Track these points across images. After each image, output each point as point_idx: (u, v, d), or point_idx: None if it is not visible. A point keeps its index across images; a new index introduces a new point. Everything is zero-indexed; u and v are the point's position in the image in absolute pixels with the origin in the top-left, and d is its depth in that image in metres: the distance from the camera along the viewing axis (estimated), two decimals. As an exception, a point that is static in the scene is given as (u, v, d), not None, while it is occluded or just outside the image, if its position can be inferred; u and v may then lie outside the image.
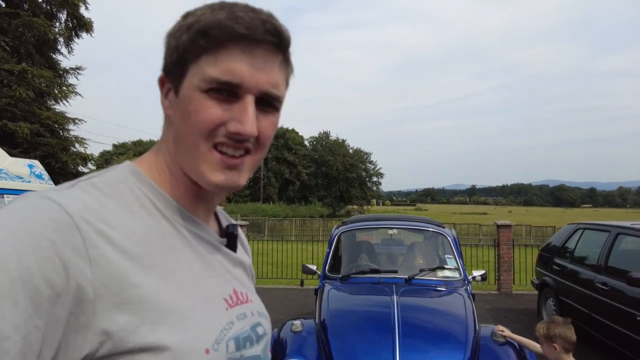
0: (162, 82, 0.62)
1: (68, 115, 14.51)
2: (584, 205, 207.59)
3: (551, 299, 5.75)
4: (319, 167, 52.97)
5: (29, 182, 5.79)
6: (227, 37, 0.53)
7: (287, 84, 0.61)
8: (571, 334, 2.33)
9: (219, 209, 0.75)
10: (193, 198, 0.63)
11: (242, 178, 0.58)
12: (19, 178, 5.75)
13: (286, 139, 52.38)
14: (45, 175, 6.24)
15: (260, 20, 0.54)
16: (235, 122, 0.54)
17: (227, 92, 0.55)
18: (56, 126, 14.05)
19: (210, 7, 0.55)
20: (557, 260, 5.78)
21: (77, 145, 14.74)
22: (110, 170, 0.59)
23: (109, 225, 0.50)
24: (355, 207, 54.87)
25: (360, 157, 55.24)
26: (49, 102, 14.35)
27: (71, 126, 14.68)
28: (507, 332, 2.73)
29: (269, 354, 0.69)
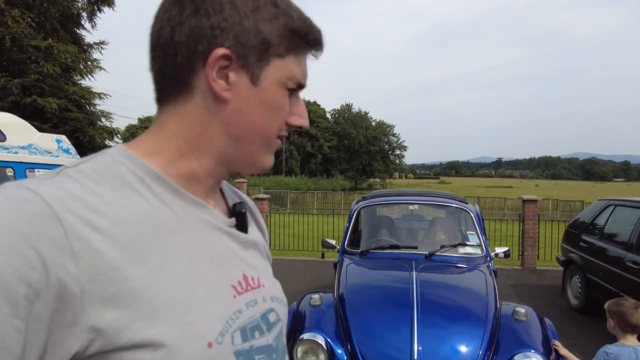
0: (221, 57, 0.53)
1: (94, 90, 14.77)
2: (616, 179, 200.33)
3: (577, 276, 5.63)
4: (341, 140, 52.65)
5: (57, 156, 5.97)
6: (312, 44, 0.59)
7: None
8: (630, 316, 2.37)
9: (226, 185, 0.71)
10: (201, 180, 0.59)
11: None
12: (47, 153, 5.93)
13: (308, 112, 51.93)
14: (72, 150, 6.41)
15: (321, 33, 0.60)
16: (298, 117, 0.61)
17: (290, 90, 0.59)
18: (83, 101, 14.35)
19: (288, 4, 0.57)
20: (585, 237, 5.62)
21: (103, 119, 15.06)
22: (100, 155, 0.54)
23: (97, 213, 0.47)
24: (378, 180, 54.65)
25: (383, 130, 54.54)
26: (74, 77, 14.61)
27: (97, 101, 14.97)
28: (561, 349, 2.55)
29: (284, 340, 0.65)
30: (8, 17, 12.06)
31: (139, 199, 0.51)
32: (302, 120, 0.62)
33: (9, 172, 5.40)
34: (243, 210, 0.66)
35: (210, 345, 0.50)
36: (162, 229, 0.52)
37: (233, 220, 0.64)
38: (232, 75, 0.54)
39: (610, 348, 2.35)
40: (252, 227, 0.69)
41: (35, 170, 5.60)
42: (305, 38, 0.57)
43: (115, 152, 0.55)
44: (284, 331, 0.66)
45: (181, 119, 0.57)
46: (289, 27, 0.55)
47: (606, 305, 2.52)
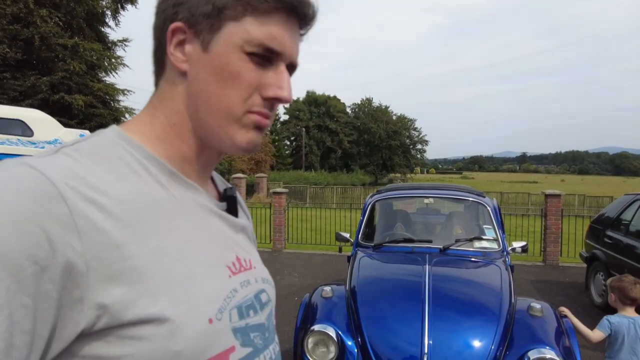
0: (176, 31, 0.55)
1: (118, 86, 15.15)
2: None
3: (601, 273, 5.46)
4: (361, 135, 52.42)
5: (81, 151, 6.15)
6: (279, 5, 0.54)
7: None
8: (629, 290, 2.67)
9: (214, 173, 0.72)
10: (192, 162, 0.60)
11: (261, 140, 0.60)
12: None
13: (328, 107, 52.00)
14: (96, 145, 6.58)
15: None
16: (275, 88, 0.56)
17: (263, 57, 0.55)
18: (107, 97, 14.74)
19: None
20: (610, 233, 5.44)
21: (127, 115, 15.42)
22: (96, 135, 0.55)
23: (99, 192, 0.47)
24: (398, 175, 54.20)
25: (404, 124, 54.02)
26: (99, 75, 15.01)
27: (121, 97, 15.36)
28: (568, 313, 2.72)
29: (274, 320, 0.68)
30: (37, 17, 12.45)
31: (136, 179, 0.52)
32: (279, 91, 0.56)
33: (36, 166, 5.58)
34: (234, 195, 0.67)
35: (210, 321, 0.52)
36: (160, 210, 0.53)
37: (224, 204, 0.65)
38: (188, 47, 0.55)
39: (612, 318, 2.66)
40: (240, 213, 0.70)
41: (61, 164, 5.78)
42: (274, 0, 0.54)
43: (110, 133, 0.56)
44: (274, 312, 0.68)
45: (159, 97, 0.59)
46: None
47: (608, 281, 2.83)
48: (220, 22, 0.54)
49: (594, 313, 5.24)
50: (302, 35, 0.60)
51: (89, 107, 13.57)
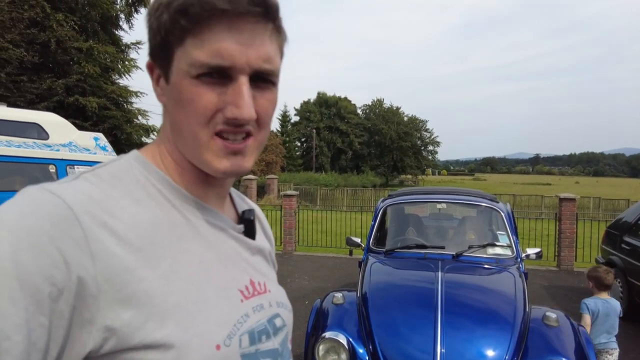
0: (150, 68, 0.58)
1: (131, 88, 15.33)
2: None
3: (618, 280, 5.34)
4: (371, 136, 52.24)
5: (95, 153, 6.25)
6: (208, 14, 0.49)
7: (281, 54, 0.57)
8: (604, 279, 3.30)
9: (235, 192, 0.72)
10: (202, 185, 0.60)
11: (247, 161, 0.55)
12: (86, 150, 6.21)
13: (338, 108, 51.97)
14: (109, 147, 6.68)
15: None
16: (232, 107, 0.51)
17: (218, 74, 0.51)
18: (120, 99, 14.93)
19: None
20: (628, 239, 5.32)
21: (139, 117, 15.61)
22: (116, 160, 0.57)
23: (113, 217, 0.48)
24: (409, 176, 53.87)
25: (415, 125, 53.66)
26: (113, 77, 15.22)
27: (134, 99, 15.54)
28: None
29: (289, 345, 0.66)
30: (53, 21, 12.68)
31: (151, 202, 0.53)
32: (236, 110, 0.51)
33: (52, 168, 5.69)
34: (252, 218, 0.67)
35: (218, 347, 0.51)
36: (174, 233, 0.53)
37: (241, 226, 0.65)
38: (162, 81, 0.56)
39: (587, 300, 3.29)
40: (259, 235, 0.70)
41: (75, 166, 5.87)
42: (188, 11, 0.49)
43: (130, 158, 0.58)
44: (290, 336, 0.66)
45: (162, 125, 0.61)
46: (174, 9, 0.50)
47: (586, 271, 3.49)
48: (170, 51, 0.52)
49: (610, 320, 5.13)
50: (274, 27, 0.54)
51: (102, 109, 13.75)
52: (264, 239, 0.74)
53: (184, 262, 0.52)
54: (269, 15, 0.52)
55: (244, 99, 0.51)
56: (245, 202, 0.74)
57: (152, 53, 0.56)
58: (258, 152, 0.58)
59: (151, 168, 0.56)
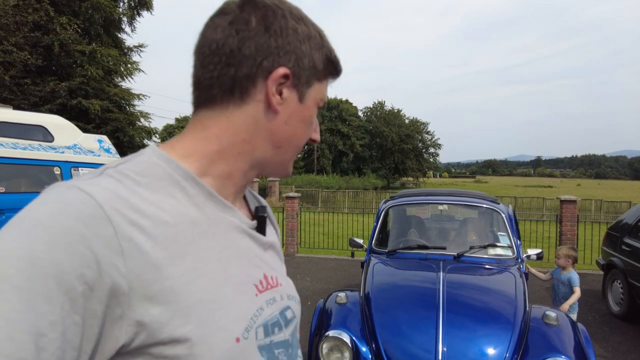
0: (285, 76, 0.60)
1: (133, 91, 15.43)
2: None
3: (618, 281, 5.37)
4: (373, 138, 52.29)
5: (99, 155, 6.30)
6: (337, 75, 0.68)
7: None
8: (571, 252, 4.08)
9: (248, 190, 0.75)
10: (236, 182, 0.63)
11: None
12: (90, 152, 6.27)
13: (340, 110, 52.04)
14: (113, 150, 6.74)
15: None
16: (315, 133, 0.69)
17: None
18: (123, 102, 15.03)
19: (327, 38, 0.66)
20: (628, 240, 5.34)
21: (142, 119, 15.70)
22: (138, 156, 0.57)
23: (141, 214, 0.50)
24: (411, 179, 53.88)
25: (416, 128, 53.67)
26: (116, 80, 15.32)
27: (136, 101, 15.65)
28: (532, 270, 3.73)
29: (298, 336, 0.70)
30: (57, 24, 12.79)
31: (174, 201, 0.55)
32: (316, 135, 0.69)
33: (56, 170, 5.76)
34: (265, 215, 0.70)
35: (238, 340, 0.54)
36: (195, 231, 0.55)
37: (255, 222, 0.68)
38: (286, 92, 0.61)
39: (555, 271, 4.09)
40: (269, 229, 0.73)
41: (79, 168, 5.93)
42: (336, 67, 0.67)
43: (151, 154, 0.58)
44: (298, 327, 0.70)
45: (228, 124, 0.60)
46: (329, 57, 0.65)
47: (563, 251, 4.10)
48: (313, 80, 0.64)
49: (611, 322, 5.15)
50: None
51: (105, 111, 13.85)
52: (274, 233, 0.77)
53: (205, 259, 0.55)
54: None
55: (318, 127, 0.71)
56: (256, 198, 0.77)
57: (296, 71, 0.62)
58: None
59: (175, 164, 0.57)
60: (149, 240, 0.49)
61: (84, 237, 0.45)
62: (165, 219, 0.52)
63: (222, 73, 0.58)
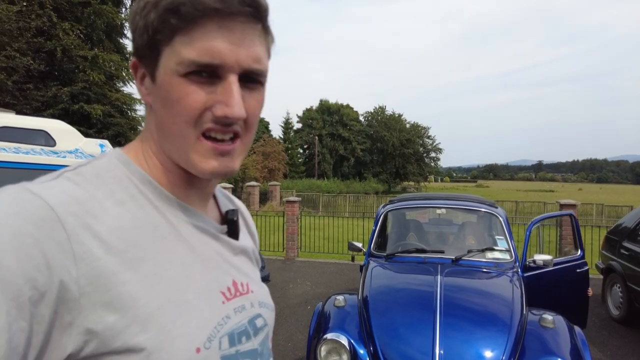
0: (135, 67, 0.57)
1: (134, 96, 15.50)
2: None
3: (618, 285, 5.38)
4: (374, 143, 52.36)
5: (101, 160, 6.33)
6: (200, 14, 0.49)
7: (269, 55, 0.57)
8: None
9: (221, 192, 0.71)
10: (185, 185, 0.59)
11: (235, 163, 0.56)
12: (92, 157, 6.28)
13: (341, 115, 52.17)
14: (115, 154, 6.77)
15: None
16: (222, 105, 0.51)
17: (207, 73, 0.51)
18: (125, 107, 15.10)
19: None
20: (627, 244, 5.36)
21: (143, 124, 15.74)
22: (99, 159, 0.55)
23: (96, 218, 0.47)
24: (412, 183, 53.86)
25: (417, 132, 53.76)
26: (117, 85, 15.40)
27: (138, 106, 15.70)
28: None
29: (269, 345, 0.67)
30: (59, 29, 12.89)
31: (133, 204, 0.52)
32: (226, 108, 0.51)
33: (58, 174, 5.77)
34: (235, 219, 0.66)
35: (198, 350, 0.51)
36: (156, 236, 0.52)
37: (224, 227, 0.65)
38: (146, 80, 0.56)
39: None
40: (242, 233, 0.70)
41: (81, 173, 5.97)
42: (179, 10, 0.49)
43: (113, 157, 0.56)
44: (270, 335, 0.68)
45: (146, 125, 0.60)
46: (163, 7, 0.50)
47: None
48: (158, 50, 0.52)
49: (610, 326, 5.15)
50: (263, 28, 0.55)
51: (107, 116, 13.91)
52: (248, 238, 0.73)
53: (165, 264, 0.52)
54: (259, 16, 0.53)
55: (234, 98, 0.51)
56: (230, 201, 0.73)
57: (138, 52, 0.55)
58: (245, 153, 0.59)
59: (134, 168, 0.55)
60: (103, 245, 0.47)
61: (35, 240, 0.42)
62: (124, 223, 0.50)
63: None
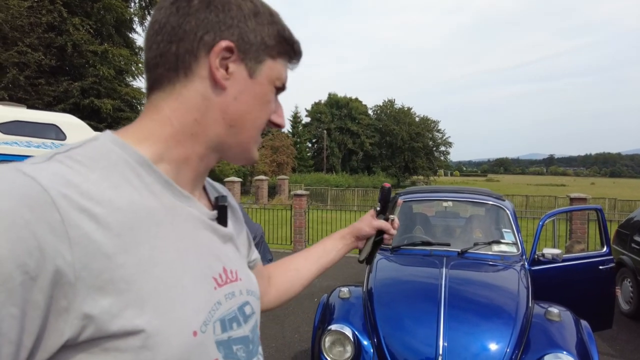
0: (230, 50, 0.58)
1: (144, 90, 15.61)
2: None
3: (628, 280, 5.32)
4: (383, 137, 52.10)
5: (110, 154, 6.42)
6: (296, 53, 0.66)
7: None
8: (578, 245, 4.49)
9: (207, 180, 0.72)
10: (188, 172, 0.60)
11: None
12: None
13: (349, 109, 51.96)
14: (124, 148, 6.85)
15: (300, 47, 0.68)
16: (279, 116, 0.67)
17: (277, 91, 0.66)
18: (134, 101, 15.25)
19: (279, 15, 0.65)
20: (638, 239, 5.29)
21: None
22: (91, 141, 0.53)
23: (92, 200, 0.47)
24: (421, 177, 53.58)
25: (427, 126, 53.32)
26: (127, 79, 15.55)
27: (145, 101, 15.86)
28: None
29: (258, 332, 0.68)
30: (70, 25, 13.02)
31: (129, 187, 0.52)
32: (280, 119, 0.67)
33: (69, 168, 5.87)
34: (225, 204, 0.67)
35: (195, 333, 0.52)
36: (152, 220, 0.52)
37: (215, 213, 0.65)
38: (232, 66, 0.59)
39: None
40: (230, 221, 0.71)
41: (91, 166, 6.06)
42: (292, 46, 0.65)
43: (106, 139, 0.54)
44: (258, 323, 0.69)
45: (178, 104, 0.58)
46: (281, 34, 0.63)
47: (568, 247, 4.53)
48: (264, 56, 0.61)
49: (621, 320, 5.10)
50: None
51: (116, 110, 14.07)
52: (236, 224, 0.74)
53: (161, 248, 0.52)
54: (294, 65, 0.69)
55: (283, 112, 0.69)
56: (215, 189, 0.74)
57: (243, 45, 0.59)
58: None
59: (130, 149, 0.54)
60: (100, 227, 0.46)
61: (27, 222, 0.41)
62: (120, 206, 0.49)
63: (164, 51, 0.57)
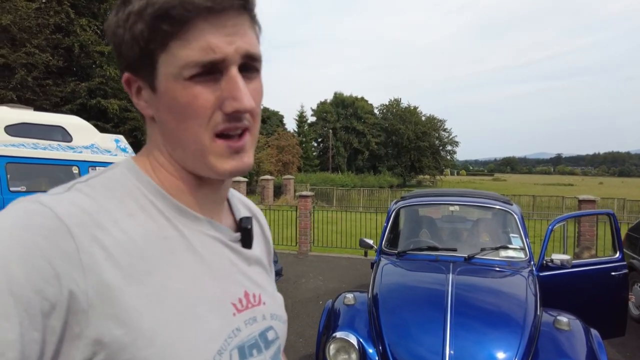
0: (128, 81, 0.56)
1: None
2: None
3: (639, 285, 5.23)
4: (389, 136, 51.95)
5: (116, 155, 6.45)
6: (192, 14, 0.49)
7: (259, 43, 0.57)
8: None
9: (236, 197, 0.70)
10: (197, 194, 0.58)
11: (250, 157, 0.56)
12: (107, 152, 6.41)
13: (355, 108, 51.88)
14: (129, 149, 6.88)
15: None
16: (230, 101, 0.51)
17: (208, 72, 0.50)
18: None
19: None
20: (648, 242, 5.20)
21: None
22: (110, 170, 0.55)
23: (104, 231, 0.48)
24: (427, 177, 53.35)
25: (433, 125, 53.07)
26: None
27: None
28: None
29: (281, 358, 0.66)
30: (77, 26, 13.10)
31: (144, 215, 0.52)
32: (235, 103, 0.51)
33: (75, 169, 5.91)
34: (249, 227, 0.65)
35: None
36: (166, 247, 0.52)
37: (238, 235, 0.63)
38: (144, 92, 0.55)
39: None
40: (257, 242, 0.68)
41: (97, 168, 6.08)
42: (169, 15, 0.48)
43: (123, 167, 0.56)
44: (282, 348, 0.66)
45: (149, 139, 0.59)
46: (151, 15, 0.49)
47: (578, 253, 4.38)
48: (153, 59, 0.51)
49: (631, 326, 5.00)
50: (251, 18, 0.55)
51: (123, 111, 14.14)
52: (263, 247, 0.72)
53: (175, 276, 0.52)
54: (247, 7, 0.53)
55: (240, 90, 0.51)
56: (245, 206, 0.72)
57: (130, 66, 0.54)
58: (255, 145, 0.58)
59: (144, 179, 0.55)
60: (112, 256, 0.47)
61: (43, 251, 0.43)
62: (133, 235, 0.50)
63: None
